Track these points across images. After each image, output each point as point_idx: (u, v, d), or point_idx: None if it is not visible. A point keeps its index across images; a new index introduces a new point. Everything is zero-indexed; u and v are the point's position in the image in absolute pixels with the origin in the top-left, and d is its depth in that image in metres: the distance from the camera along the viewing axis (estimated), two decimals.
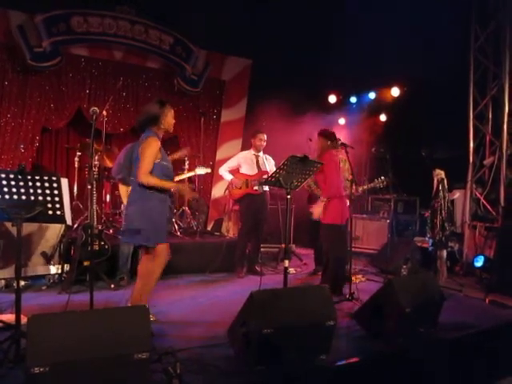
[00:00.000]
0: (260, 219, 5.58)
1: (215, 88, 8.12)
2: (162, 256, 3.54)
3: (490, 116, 6.37)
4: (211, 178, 8.00)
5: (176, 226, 6.23)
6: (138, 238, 3.46)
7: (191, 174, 6.25)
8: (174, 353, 2.79)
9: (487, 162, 6.31)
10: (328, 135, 4.76)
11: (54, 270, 4.74)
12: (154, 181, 3.41)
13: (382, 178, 5.42)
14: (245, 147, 7.03)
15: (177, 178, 5.59)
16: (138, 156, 3.45)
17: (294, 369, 2.80)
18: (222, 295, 4.69)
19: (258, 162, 5.63)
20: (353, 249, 4.82)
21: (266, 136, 5.67)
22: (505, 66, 6.03)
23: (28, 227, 4.43)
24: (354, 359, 3.04)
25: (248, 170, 5.60)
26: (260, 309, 2.77)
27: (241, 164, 5.68)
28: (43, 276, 4.73)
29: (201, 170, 6.15)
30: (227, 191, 5.97)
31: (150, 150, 3.39)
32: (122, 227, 3.71)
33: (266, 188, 5.60)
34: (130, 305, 3.61)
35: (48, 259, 4.66)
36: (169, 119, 3.58)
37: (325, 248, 4.82)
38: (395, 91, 8.02)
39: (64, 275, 4.75)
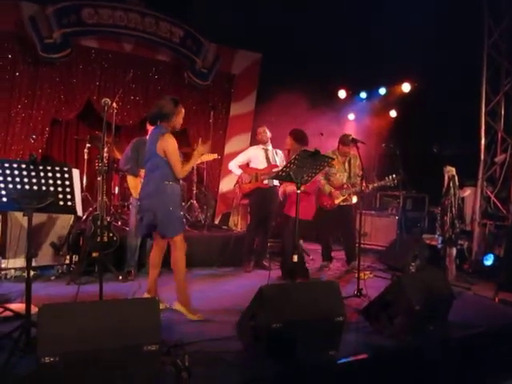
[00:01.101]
0: (269, 213, 5.56)
1: (225, 81, 8.09)
2: (182, 245, 3.68)
3: (503, 113, 6.30)
4: (219, 172, 7.99)
5: (184, 220, 6.23)
6: (161, 228, 3.62)
7: (198, 161, 6.15)
8: (182, 345, 2.80)
9: (499, 159, 6.25)
10: (296, 135, 4.69)
11: (62, 260, 4.77)
12: (187, 168, 3.70)
13: (393, 176, 5.37)
14: (254, 141, 7.00)
15: None
16: (156, 152, 3.57)
17: (302, 364, 2.79)
18: (231, 289, 4.69)
19: (267, 155, 5.60)
20: (361, 245, 4.81)
21: (265, 128, 5.66)
22: None
23: (38, 217, 4.45)
24: (363, 355, 3.04)
25: (258, 164, 5.57)
26: (269, 303, 2.77)
27: (251, 159, 5.65)
28: (52, 266, 4.75)
29: (209, 157, 6.02)
30: (237, 185, 5.94)
31: (172, 147, 3.57)
32: (146, 220, 3.70)
33: (277, 183, 5.57)
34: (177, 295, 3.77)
35: (57, 250, 4.68)
36: (179, 119, 3.74)
37: (287, 242, 4.85)
38: (406, 87, 7.96)
39: (73, 266, 4.79)
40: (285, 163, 4.70)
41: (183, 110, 3.76)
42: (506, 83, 6.23)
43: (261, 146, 5.67)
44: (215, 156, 6.12)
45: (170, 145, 3.55)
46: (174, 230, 3.64)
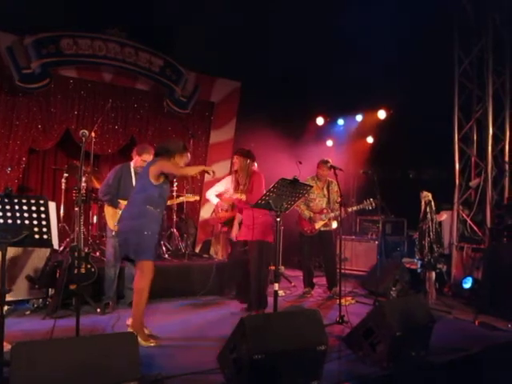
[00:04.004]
0: None
1: (204, 110, 8.15)
2: (149, 272, 3.69)
3: (475, 138, 6.49)
4: (199, 199, 7.96)
5: (164, 249, 6.17)
6: (132, 251, 3.69)
7: (180, 200, 6.26)
8: (162, 380, 2.73)
9: (473, 183, 6.40)
10: (247, 154, 4.76)
11: (38, 293, 4.63)
12: (186, 169, 3.84)
13: (371, 199, 5.50)
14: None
15: None
16: (148, 173, 3.69)
17: None
18: (213, 319, 4.61)
19: None
20: (342, 270, 4.83)
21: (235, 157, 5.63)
22: (488, 89, 6.17)
23: (13, 250, 4.34)
24: None
25: None
26: (251, 334, 2.72)
27: (228, 188, 5.66)
28: (27, 300, 4.61)
29: (189, 198, 6.17)
30: (213, 214, 5.96)
31: (168, 162, 3.71)
32: (119, 241, 3.86)
33: None
34: (129, 323, 3.78)
35: (33, 283, 4.54)
36: (180, 161, 3.82)
37: (255, 267, 4.61)
38: (382, 114, 8.16)
39: (49, 299, 4.64)
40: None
41: (189, 156, 3.91)
42: (478, 109, 6.43)
43: None
44: (197, 198, 6.34)
45: (165, 162, 3.69)
46: (145, 254, 3.66)
